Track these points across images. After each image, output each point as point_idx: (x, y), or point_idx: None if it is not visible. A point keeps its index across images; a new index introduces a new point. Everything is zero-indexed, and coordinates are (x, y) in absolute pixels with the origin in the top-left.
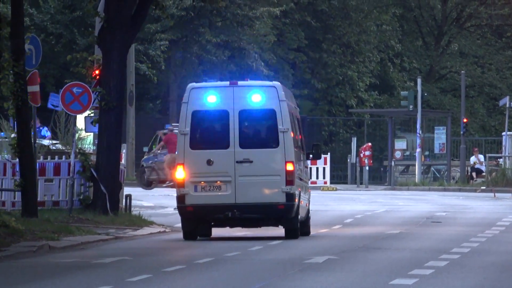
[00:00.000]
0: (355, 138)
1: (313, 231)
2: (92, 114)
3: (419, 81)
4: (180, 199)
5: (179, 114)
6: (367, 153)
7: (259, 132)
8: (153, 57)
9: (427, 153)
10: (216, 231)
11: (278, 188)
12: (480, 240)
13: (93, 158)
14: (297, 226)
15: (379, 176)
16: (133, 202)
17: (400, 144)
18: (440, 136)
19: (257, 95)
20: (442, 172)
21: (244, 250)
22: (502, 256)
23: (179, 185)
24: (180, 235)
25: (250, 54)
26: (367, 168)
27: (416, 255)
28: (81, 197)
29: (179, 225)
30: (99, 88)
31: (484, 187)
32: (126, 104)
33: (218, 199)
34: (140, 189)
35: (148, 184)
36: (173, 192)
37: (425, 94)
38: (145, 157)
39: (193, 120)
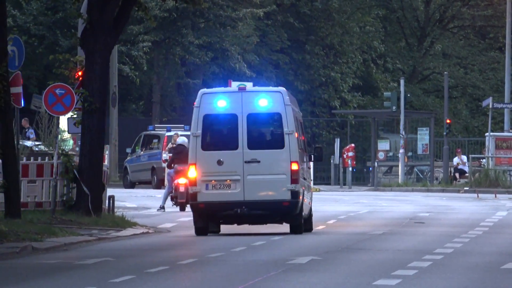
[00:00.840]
0: (338, 139)
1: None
2: (75, 116)
3: (402, 82)
4: (192, 196)
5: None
6: (350, 154)
7: (266, 134)
8: (136, 59)
9: (410, 154)
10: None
11: (283, 186)
12: (464, 241)
13: (76, 159)
14: (301, 222)
15: (362, 177)
16: (116, 203)
17: (383, 145)
18: (423, 137)
19: (264, 100)
20: (425, 173)
21: (227, 251)
22: (486, 257)
23: (191, 184)
24: (163, 236)
25: (233, 55)
26: (350, 169)
27: (399, 256)
28: (64, 198)
29: (163, 225)
30: (82, 89)
31: (467, 188)
32: (109, 105)
33: (228, 196)
34: (123, 190)
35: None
36: (156, 193)
37: (408, 95)
38: (128, 158)
39: (204, 123)
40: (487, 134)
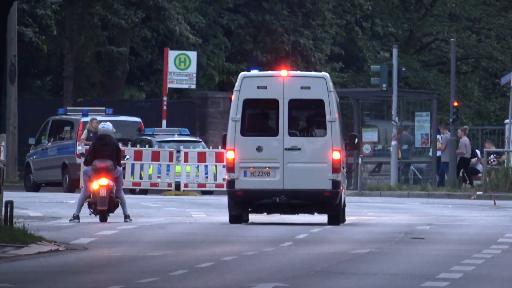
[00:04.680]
0: None
1: (255, 249)
2: None
3: (394, 51)
4: (230, 183)
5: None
6: None
7: (308, 121)
8: (42, 19)
9: (405, 147)
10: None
11: (324, 175)
12: (476, 263)
13: None
14: (340, 213)
15: None
16: (16, 211)
17: (369, 135)
18: (423, 124)
19: (307, 85)
20: (425, 173)
21: (162, 275)
22: (505, 284)
23: (229, 170)
24: (78, 255)
25: (171, 15)
26: None
27: (391, 283)
28: None
29: (77, 241)
30: None
31: (480, 193)
32: (5, 81)
33: (266, 184)
34: (24, 193)
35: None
36: (69, 198)
37: (403, 69)
38: (31, 151)
39: (244, 108)
40: (506, 121)
